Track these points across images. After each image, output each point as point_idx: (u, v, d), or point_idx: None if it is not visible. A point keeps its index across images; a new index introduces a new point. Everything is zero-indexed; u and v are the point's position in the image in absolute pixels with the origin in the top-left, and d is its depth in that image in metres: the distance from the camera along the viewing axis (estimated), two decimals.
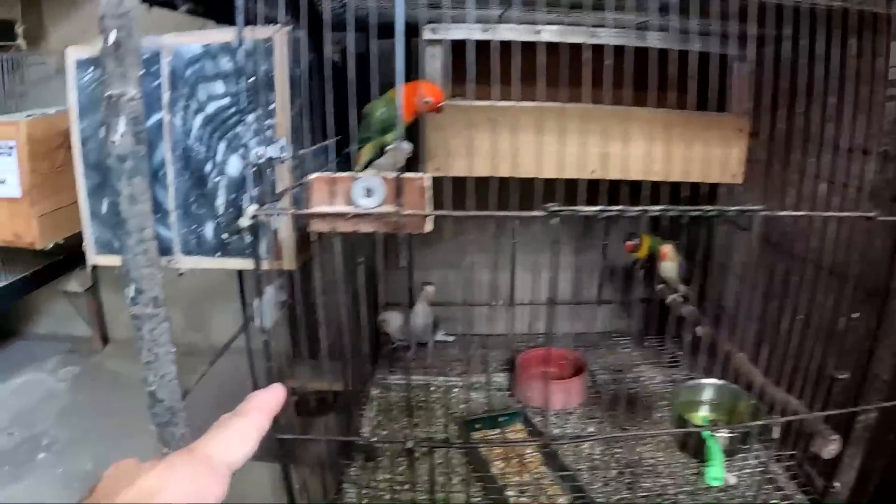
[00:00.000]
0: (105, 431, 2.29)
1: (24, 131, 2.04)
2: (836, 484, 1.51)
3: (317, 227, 0.88)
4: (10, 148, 2.05)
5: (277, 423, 1.13)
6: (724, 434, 1.24)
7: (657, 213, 0.92)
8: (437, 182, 0.90)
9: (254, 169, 1.02)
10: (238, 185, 1.19)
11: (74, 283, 2.78)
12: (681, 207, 0.94)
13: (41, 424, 2.35)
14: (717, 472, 1.21)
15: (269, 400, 0.59)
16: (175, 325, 3.02)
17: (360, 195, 0.85)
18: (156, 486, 0.47)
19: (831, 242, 1.21)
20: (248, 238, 1.20)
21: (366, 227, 0.87)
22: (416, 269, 2.36)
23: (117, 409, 2.41)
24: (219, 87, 1.17)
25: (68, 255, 2.66)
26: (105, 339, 3.00)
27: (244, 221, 0.89)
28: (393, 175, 0.85)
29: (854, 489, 1.48)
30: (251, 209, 0.89)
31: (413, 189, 0.85)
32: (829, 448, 1.31)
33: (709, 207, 0.95)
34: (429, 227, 0.87)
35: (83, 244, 1.30)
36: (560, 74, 1.13)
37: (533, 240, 2.36)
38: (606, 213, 0.88)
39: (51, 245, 2.19)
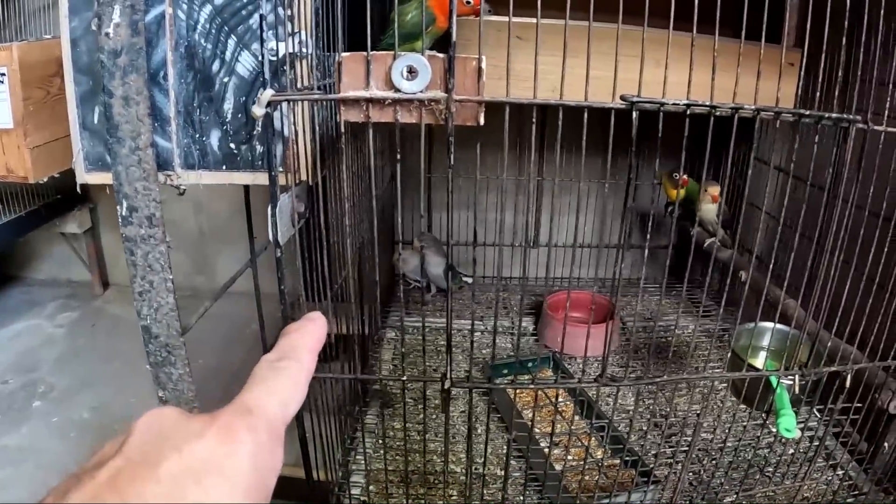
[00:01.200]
0: (103, 378, 2.22)
1: (16, 56, 1.90)
2: (886, 444, 1.41)
3: (348, 115, 0.74)
4: (2, 75, 1.91)
5: None
6: (795, 382, 1.12)
7: (750, 115, 0.78)
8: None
9: (270, 66, 0.88)
10: (249, 87, 1.05)
11: (73, 224, 2.69)
12: (776, 108, 0.80)
13: (37, 371, 2.27)
14: (790, 423, 1.08)
15: (314, 333, 0.46)
16: (180, 268, 2.92)
17: (402, 77, 0.70)
18: (212, 460, 0.34)
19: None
20: (258, 147, 1.07)
21: (407, 117, 0.73)
22: (434, 210, 2.26)
23: (116, 354, 2.35)
24: None
25: (66, 195, 2.57)
26: (105, 284, 2.90)
27: (258, 110, 0.74)
28: (441, 55, 0.71)
29: None
30: (267, 94, 0.74)
31: (466, 71, 0.71)
32: None
33: (805, 111, 0.81)
34: (482, 118, 0.73)
35: (73, 160, 1.16)
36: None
37: (567, 183, 2.32)
38: (693, 106, 0.74)
39: (45, 179, 2.05)
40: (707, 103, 0.76)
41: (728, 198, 2.06)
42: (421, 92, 0.72)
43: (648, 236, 1.09)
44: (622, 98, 0.73)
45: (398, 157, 0.78)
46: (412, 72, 0.71)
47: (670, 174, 1.96)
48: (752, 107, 0.79)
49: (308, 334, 0.46)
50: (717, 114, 0.77)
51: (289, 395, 0.41)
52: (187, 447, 0.34)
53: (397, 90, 0.71)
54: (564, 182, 2.24)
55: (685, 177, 1.86)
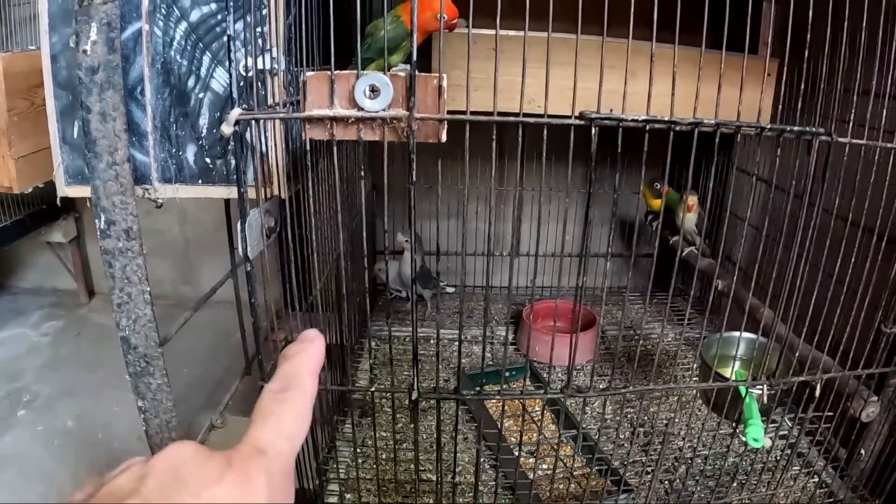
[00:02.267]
0: (87, 387, 2.22)
1: (1, 67, 1.90)
2: (862, 451, 1.43)
3: (313, 133, 0.75)
4: None
5: (263, 371, 1.03)
6: (763, 391, 1.13)
7: (710, 129, 0.80)
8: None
9: (241, 83, 0.90)
10: (223, 103, 1.07)
11: (58, 234, 2.69)
12: (737, 122, 0.81)
13: (22, 380, 2.27)
14: (758, 432, 1.09)
15: (314, 355, 0.47)
16: (164, 277, 2.92)
17: (365, 96, 0.72)
18: None
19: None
20: (233, 161, 1.08)
21: (370, 135, 0.74)
22: (419, 219, 2.27)
23: (101, 363, 2.35)
24: None
25: (51, 204, 2.57)
26: (91, 293, 2.91)
27: (226, 128, 0.76)
28: (402, 74, 0.72)
29: (881, 458, 1.39)
30: (235, 112, 0.76)
31: (427, 89, 0.72)
32: (869, 410, 1.21)
33: (767, 125, 0.82)
34: (443, 135, 0.75)
35: (53, 173, 1.18)
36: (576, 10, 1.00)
37: (537, 192, 2.34)
38: (651, 122, 0.76)
39: (29, 189, 2.05)
40: (666, 119, 0.77)
41: (708, 208, 2.09)
42: (383, 110, 0.73)
43: (635, 247, 1.11)
44: (580, 115, 0.75)
45: (363, 173, 0.79)
46: (374, 90, 0.72)
47: (651, 184, 1.98)
48: (712, 121, 0.80)
49: (307, 358, 0.46)
50: (677, 129, 0.79)
51: (296, 428, 0.42)
52: (206, 493, 0.35)
53: (360, 108, 0.73)
54: (543, 192, 2.25)
55: (664, 187, 1.88)
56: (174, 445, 0.38)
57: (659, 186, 1.95)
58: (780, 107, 1.67)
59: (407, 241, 1.91)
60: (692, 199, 1.81)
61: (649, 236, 2.34)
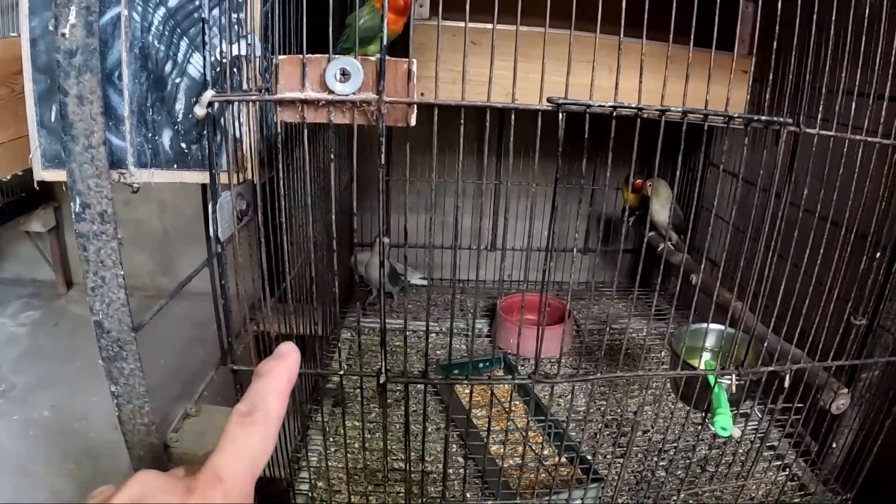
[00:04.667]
0: (64, 377, 2.22)
1: None
2: (834, 445, 1.45)
3: (284, 116, 0.76)
4: None
5: (234, 354, 1.04)
6: (730, 381, 1.15)
7: (678, 118, 0.81)
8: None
9: (217, 69, 0.91)
10: (200, 88, 1.07)
11: (37, 223, 2.68)
12: (705, 110, 0.83)
13: None
14: (726, 421, 1.11)
15: (285, 374, 0.47)
16: (143, 267, 2.91)
17: (335, 79, 0.73)
18: None
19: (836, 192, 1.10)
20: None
21: (340, 118, 0.75)
22: (393, 212, 2.28)
23: (77, 354, 2.35)
24: None
25: (31, 193, 2.56)
26: (69, 283, 2.90)
27: (199, 110, 0.77)
28: (374, 59, 0.73)
29: (852, 451, 1.42)
30: (207, 94, 0.77)
31: (397, 74, 0.74)
32: (839, 402, 1.22)
33: (734, 113, 0.84)
34: (412, 119, 0.76)
35: (30, 158, 1.18)
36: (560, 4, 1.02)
37: (516, 187, 2.35)
38: (620, 108, 0.77)
39: (8, 177, 2.05)
40: (633, 105, 0.79)
41: (682, 201, 2.11)
42: (353, 94, 0.74)
43: (622, 241, 1.12)
44: (549, 100, 0.76)
45: (331, 157, 0.80)
46: (345, 74, 0.73)
47: (627, 179, 2.00)
48: (679, 109, 0.82)
49: (278, 377, 0.47)
50: (645, 115, 0.80)
51: (258, 451, 0.43)
52: None
53: (331, 92, 0.74)
54: (522, 186, 2.28)
55: (639, 181, 1.90)
56: (141, 473, 0.41)
57: (638, 181, 1.97)
58: (756, 102, 1.69)
59: (388, 240, 1.92)
60: (650, 181, 1.82)
61: (626, 232, 2.36)
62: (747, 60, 1.76)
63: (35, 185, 1.22)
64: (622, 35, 0.80)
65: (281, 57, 0.75)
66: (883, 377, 1.37)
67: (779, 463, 1.49)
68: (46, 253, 2.85)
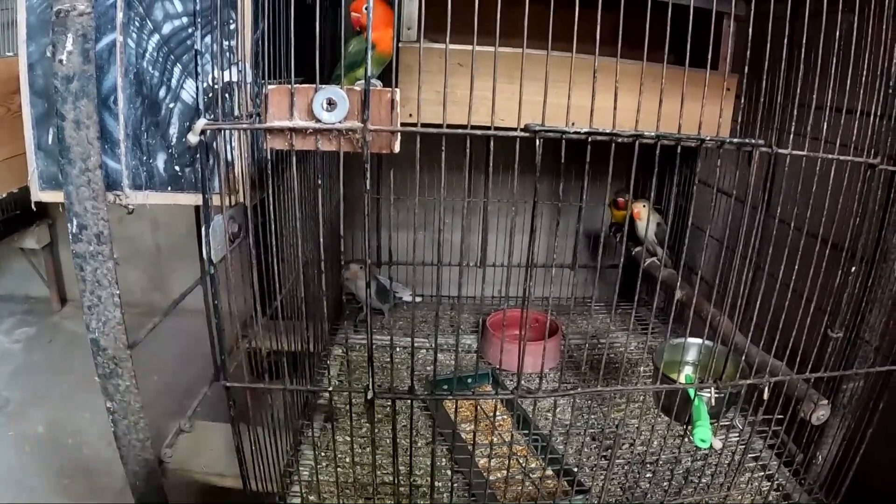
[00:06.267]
0: (58, 393, 2.24)
1: None
2: (819, 455, 1.47)
3: (273, 143, 0.80)
4: None
5: (226, 371, 1.07)
6: (711, 394, 1.17)
7: (651, 141, 0.85)
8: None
9: (209, 95, 0.94)
10: (193, 113, 1.10)
11: (31, 240, 2.70)
12: (677, 135, 0.86)
13: None
14: (705, 433, 1.14)
15: None
16: (136, 284, 2.91)
17: (322, 108, 0.76)
18: None
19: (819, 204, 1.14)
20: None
21: (327, 146, 0.79)
22: (383, 229, 2.30)
23: (72, 370, 2.36)
24: (176, 4, 1.08)
25: (25, 210, 2.57)
26: (63, 300, 2.91)
27: (192, 137, 0.80)
28: (359, 88, 0.77)
29: (835, 460, 1.43)
30: (200, 123, 0.80)
31: (380, 103, 0.77)
32: (819, 413, 1.24)
33: (708, 136, 0.87)
34: (396, 147, 0.79)
35: (28, 179, 1.21)
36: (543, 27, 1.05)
37: (505, 204, 2.38)
38: (594, 135, 0.81)
39: (4, 195, 2.07)
40: (608, 131, 0.82)
41: (670, 219, 2.14)
42: (339, 122, 0.78)
43: (599, 258, 1.15)
44: (525, 128, 0.79)
45: (318, 182, 0.84)
46: (331, 103, 0.77)
47: (615, 197, 2.04)
48: (653, 133, 0.85)
49: None
50: (619, 141, 0.84)
51: None
52: None
53: (318, 120, 0.77)
54: (508, 203, 2.30)
55: (622, 199, 1.93)
56: None
57: (624, 198, 2.01)
58: (744, 121, 1.73)
59: (361, 268, 1.94)
60: (636, 207, 1.86)
61: (615, 248, 2.39)
62: (733, 79, 1.80)
63: (32, 207, 1.24)
64: (597, 55, 0.84)
65: (270, 87, 0.78)
66: (865, 388, 1.39)
67: (762, 473, 1.51)
68: (41, 269, 2.86)
